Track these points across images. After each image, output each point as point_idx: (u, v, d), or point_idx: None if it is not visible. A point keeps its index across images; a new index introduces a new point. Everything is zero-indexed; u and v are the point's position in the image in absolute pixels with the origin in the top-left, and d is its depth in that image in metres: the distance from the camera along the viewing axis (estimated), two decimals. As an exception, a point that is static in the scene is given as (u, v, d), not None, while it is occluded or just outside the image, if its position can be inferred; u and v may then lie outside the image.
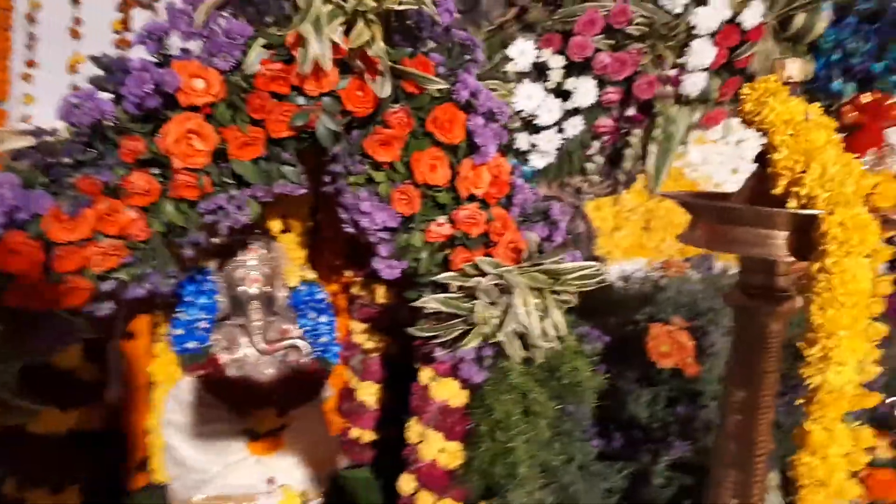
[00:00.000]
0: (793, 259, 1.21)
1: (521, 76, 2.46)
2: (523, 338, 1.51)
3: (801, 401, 1.21)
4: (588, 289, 1.51)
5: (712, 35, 2.44)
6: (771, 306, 1.34)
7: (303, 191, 1.43)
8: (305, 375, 1.81)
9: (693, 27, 2.43)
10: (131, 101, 1.22)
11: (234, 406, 1.70)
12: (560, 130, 2.50)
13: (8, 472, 1.63)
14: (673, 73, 2.48)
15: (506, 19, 2.56)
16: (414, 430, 1.71)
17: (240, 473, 1.75)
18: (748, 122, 1.29)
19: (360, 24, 1.20)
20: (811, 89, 2.46)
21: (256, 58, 1.28)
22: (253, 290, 1.77)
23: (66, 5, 3.16)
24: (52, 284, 1.24)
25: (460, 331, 1.54)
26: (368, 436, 2.14)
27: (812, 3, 2.42)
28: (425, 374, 1.70)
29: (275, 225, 2.00)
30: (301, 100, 1.33)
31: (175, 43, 1.26)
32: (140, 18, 3.09)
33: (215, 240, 1.62)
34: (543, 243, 1.54)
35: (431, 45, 1.42)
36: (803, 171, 1.17)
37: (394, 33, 1.36)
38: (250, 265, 1.78)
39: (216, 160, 1.32)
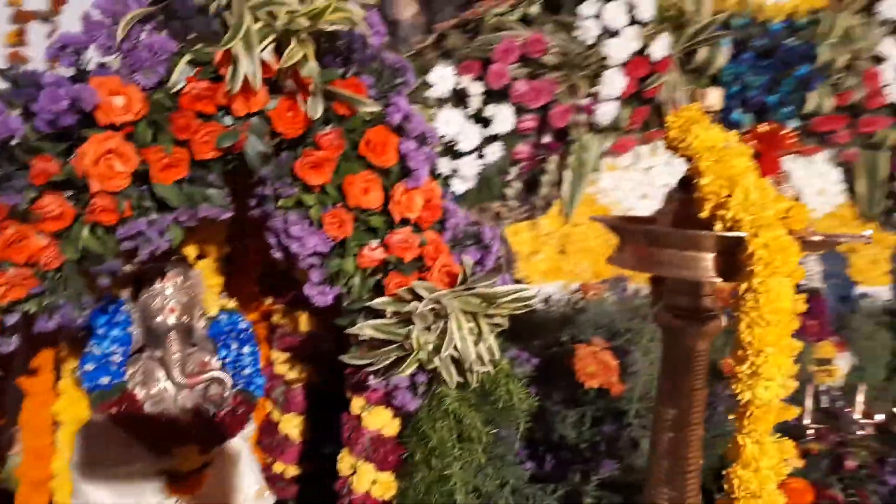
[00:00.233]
0: (719, 280, 1.26)
1: (441, 102, 2.48)
2: (458, 363, 1.49)
3: (732, 416, 1.25)
4: (521, 312, 1.52)
5: (623, 66, 2.54)
6: (697, 326, 1.38)
7: (228, 215, 1.37)
8: (228, 409, 1.72)
9: (605, 58, 2.53)
10: (43, 118, 1.13)
11: (151, 445, 1.59)
12: (480, 156, 2.53)
13: None
14: (586, 101, 2.57)
15: (424, 45, 2.58)
16: (346, 461, 1.66)
17: (159, 517, 1.64)
18: (673, 149, 1.34)
19: (294, 44, 1.17)
20: (716, 119, 2.60)
21: (181, 75, 1.22)
22: (171, 320, 1.67)
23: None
24: (-51, 318, 1.13)
25: (394, 357, 1.51)
26: (293, 470, 2.06)
27: (713, 39, 2.57)
28: (357, 404, 1.66)
29: (189, 251, 1.91)
30: (228, 120, 1.28)
31: (90, 57, 1.19)
32: (37, 32, 2.89)
33: (128, 267, 1.53)
34: (476, 267, 1.53)
35: (361, 67, 1.40)
36: (728, 196, 1.22)
37: (324, 54, 1.34)
38: (167, 294, 1.68)
39: (136, 182, 1.24)
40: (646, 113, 2.65)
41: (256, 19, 1.18)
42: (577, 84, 2.54)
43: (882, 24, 2.78)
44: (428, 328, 1.47)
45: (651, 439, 1.44)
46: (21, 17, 2.89)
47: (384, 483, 1.61)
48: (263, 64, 1.21)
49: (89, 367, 1.60)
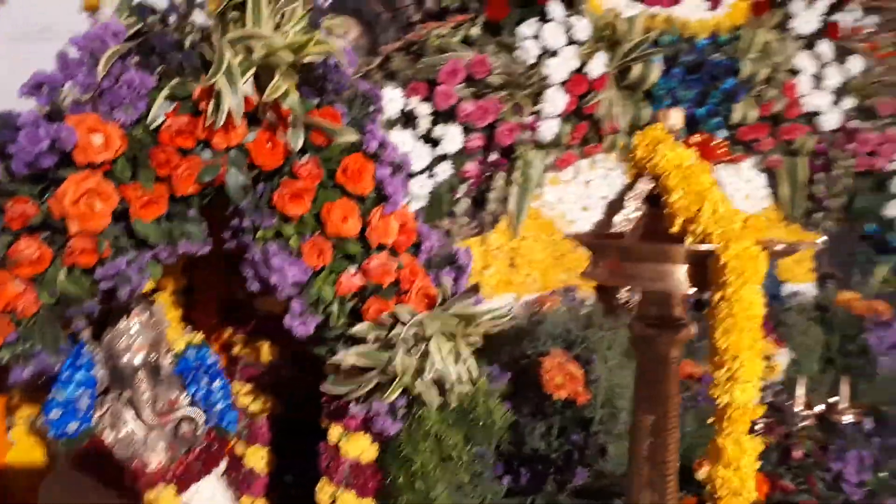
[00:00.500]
0: (691, 290, 1.33)
1: (390, 123, 2.50)
2: (439, 383, 1.51)
3: (711, 419, 1.32)
4: (497, 330, 1.56)
5: (563, 84, 2.63)
6: (669, 334, 1.45)
7: (207, 249, 1.35)
8: (202, 447, 1.68)
9: (546, 77, 2.61)
10: (22, 159, 1.09)
11: (124, 490, 1.53)
12: (430, 175, 2.56)
13: None
14: (530, 119, 2.64)
15: (370, 67, 2.60)
16: (325, 491, 1.64)
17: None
18: (640, 168, 1.41)
19: (277, 77, 1.17)
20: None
21: (160, 110, 1.20)
22: (138, 359, 1.62)
23: None
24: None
25: (376, 383, 1.52)
26: (261, 503, 2.02)
27: (646, 56, 2.69)
28: (335, 432, 1.65)
29: (147, 284, 1.86)
30: (207, 154, 1.26)
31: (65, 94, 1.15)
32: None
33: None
34: (451, 287, 1.56)
35: (335, 96, 1.41)
36: (698, 211, 1.30)
37: (300, 84, 1.34)
38: (133, 333, 1.63)
39: (115, 221, 1.21)
40: (585, 129, 2.74)
41: (235, 53, 1.17)
42: (521, 103, 2.61)
43: (796, 39, 2.99)
44: (409, 351, 1.49)
45: (630, 445, 1.50)
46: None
47: (367, 509, 1.61)
48: (245, 97, 1.20)
49: (55, 414, 1.53)
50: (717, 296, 1.26)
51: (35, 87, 1.13)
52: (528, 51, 2.59)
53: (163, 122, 1.21)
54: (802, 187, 3.12)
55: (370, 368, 1.48)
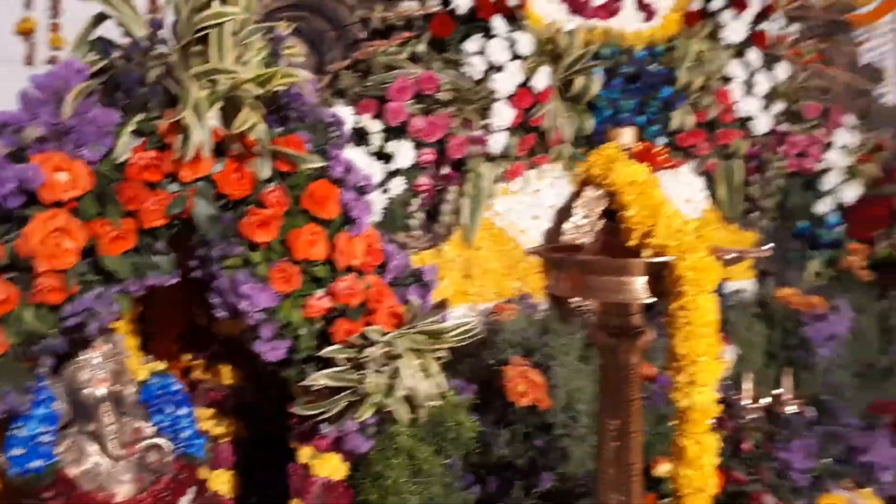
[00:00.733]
0: (650, 301, 1.40)
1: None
2: (410, 399, 1.54)
3: (672, 421, 1.39)
4: (464, 344, 1.60)
5: (510, 98, 2.70)
6: (629, 342, 1.52)
7: (175, 280, 1.35)
8: (171, 475, 1.66)
9: (493, 91, 2.67)
10: (-12, 202, 1.08)
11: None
12: (384, 191, 2.59)
13: None
14: (479, 133, 2.70)
15: (319, 86, 2.61)
16: (297, 511, 1.65)
17: None
18: (596, 185, 1.47)
19: (246, 110, 1.19)
20: (594, 142, 2.81)
21: (126, 146, 1.19)
22: (101, 391, 1.59)
23: None
24: None
25: (346, 403, 1.54)
26: (226, 528, 2.00)
27: (587, 69, 2.78)
28: (304, 453, 1.66)
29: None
30: (175, 186, 1.26)
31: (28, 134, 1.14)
32: None
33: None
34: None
35: (298, 123, 1.43)
36: (653, 225, 1.37)
37: (265, 114, 1.35)
38: (95, 364, 1.60)
39: (83, 256, 1.20)
40: (533, 140, 2.82)
41: (201, 87, 1.18)
42: (470, 117, 2.66)
43: (727, 48, 3.13)
44: (379, 370, 1.51)
45: (597, 449, 1.56)
46: None
47: (340, 529, 1.62)
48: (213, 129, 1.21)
49: (17, 451, 1.50)
50: (675, 305, 1.33)
51: (-2, 127, 1.12)
52: (475, 66, 2.65)
53: (129, 158, 1.21)
54: (738, 189, 3.26)
55: (341, 389, 1.51)
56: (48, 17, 2.49)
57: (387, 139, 2.55)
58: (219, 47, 1.23)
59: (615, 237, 1.45)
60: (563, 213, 2.87)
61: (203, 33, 1.21)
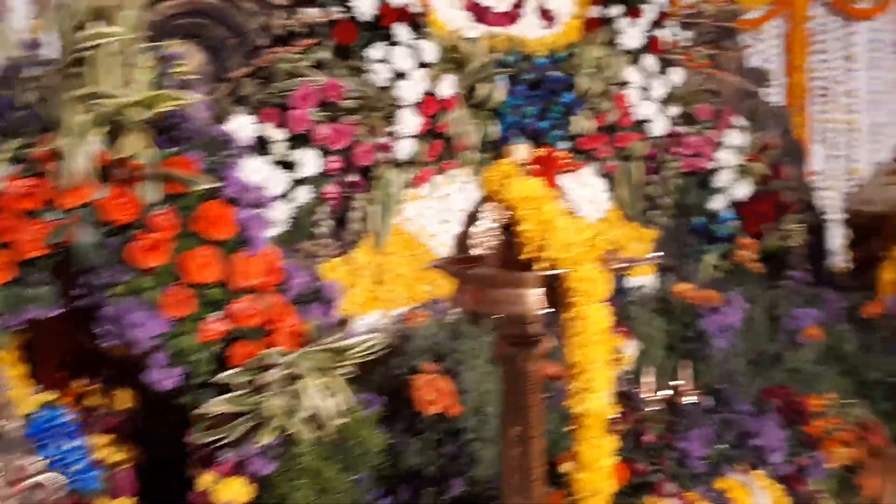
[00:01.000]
0: (545, 311, 1.45)
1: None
2: (314, 419, 1.54)
3: (569, 428, 1.44)
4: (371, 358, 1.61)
5: (415, 105, 2.71)
6: (528, 350, 1.56)
7: (58, 311, 1.30)
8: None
9: (398, 99, 2.68)
10: None
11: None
12: (291, 200, 2.55)
13: None
14: (385, 140, 2.70)
15: (218, 95, 2.54)
16: (201, 539, 1.62)
17: None
18: (493, 200, 1.51)
19: (132, 134, 1.15)
20: (500, 147, 2.86)
21: (1, 174, 1.14)
22: (-19, 428, 1.52)
23: None
24: None
25: (246, 427, 1.52)
26: (130, 559, 1.95)
27: (490, 76, 2.83)
28: (205, 480, 1.62)
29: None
30: (55, 214, 1.21)
31: None
32: None
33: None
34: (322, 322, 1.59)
35: (189, 143, 1.40)
36: (546, 239, 1.41)
37: (154, 136, 1.32)
38: (-24, 399, 1.53)
39: (-46, 293, 1.14)
40: (440, 147, 2.84)
41: (83, 111, 1.14)
42: (376, 124, 2.66)
43: (624, 54, 3.25)
44: (280, 392, 1.50)
45: (501, 456, 1.60)
46: None
47: (246, 555, 1.60)
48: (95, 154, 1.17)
49: None
50: (567, 315, 1.39)
51: None
52: (379, 74, 2.65)
53: (4, 186, 1.15)
54: (638, 188, 3.39)
55: (240, 414, 1.49)
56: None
57: (291, 147, 2.52)
58: (101, 69, 1.19)
59: (512, 251, 1.49)
60: (472, 218, 2.92)
61: (82, 55, 1.16)
